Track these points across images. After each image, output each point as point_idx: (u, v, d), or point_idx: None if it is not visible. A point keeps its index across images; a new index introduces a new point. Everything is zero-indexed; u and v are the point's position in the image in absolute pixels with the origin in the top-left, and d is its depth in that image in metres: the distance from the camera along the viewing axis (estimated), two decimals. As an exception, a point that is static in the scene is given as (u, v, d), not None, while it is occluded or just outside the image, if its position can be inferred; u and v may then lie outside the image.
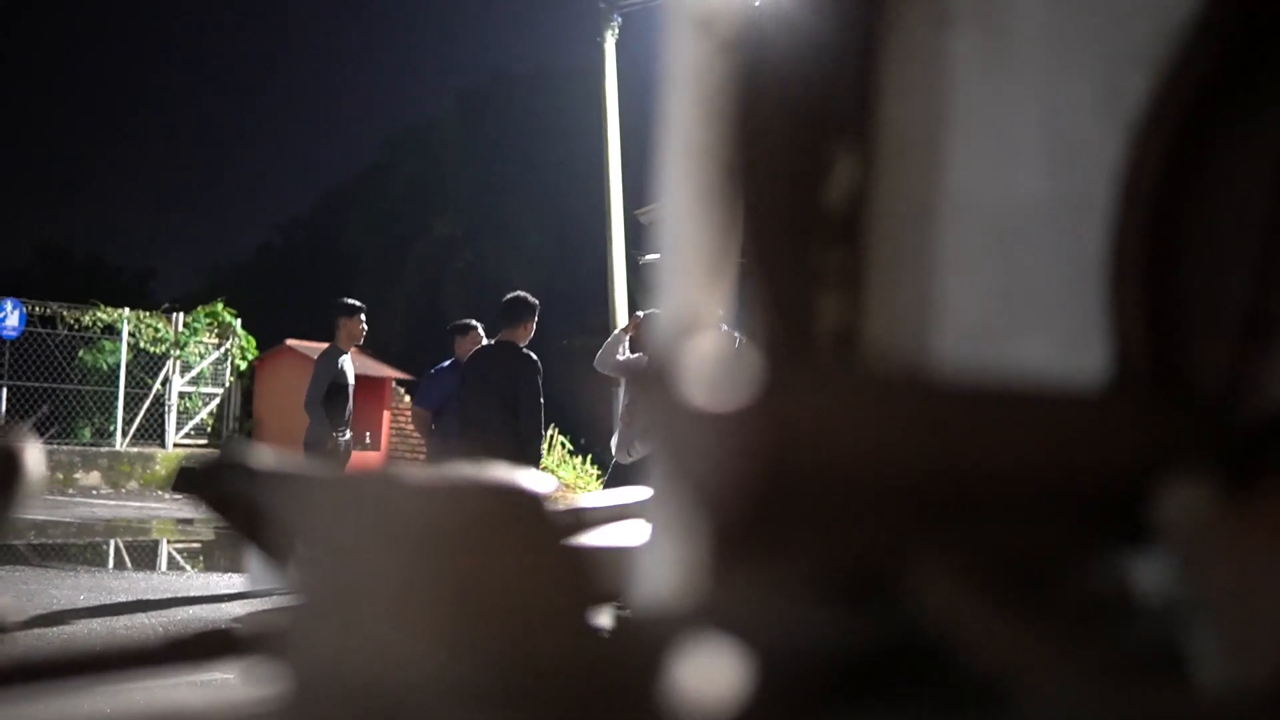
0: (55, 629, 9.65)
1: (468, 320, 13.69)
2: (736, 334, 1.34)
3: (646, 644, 0.72)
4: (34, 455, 1.20)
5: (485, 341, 12.86)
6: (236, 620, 10.26)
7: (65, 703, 1.05)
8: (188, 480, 1.40)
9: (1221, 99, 1.07)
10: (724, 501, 0.76)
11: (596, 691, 0.67)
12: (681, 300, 1.25)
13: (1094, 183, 1.14)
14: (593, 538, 1.27)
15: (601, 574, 0.76)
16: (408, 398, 29.94)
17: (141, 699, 1.02)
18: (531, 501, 0.74)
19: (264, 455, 1.34)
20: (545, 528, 0.73)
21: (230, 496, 1.35)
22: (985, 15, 1.24)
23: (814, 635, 0.84)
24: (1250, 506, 0.90)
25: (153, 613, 10.58)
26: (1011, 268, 1.20)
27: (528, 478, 0.82)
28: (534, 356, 11.95)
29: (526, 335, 12.09)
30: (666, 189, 1.28)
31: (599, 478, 22.44)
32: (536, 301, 12.27)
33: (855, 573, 0.84)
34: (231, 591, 12.20)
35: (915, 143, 1.23)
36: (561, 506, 1.37)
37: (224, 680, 1.10)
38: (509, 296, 12.41)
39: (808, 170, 1.16)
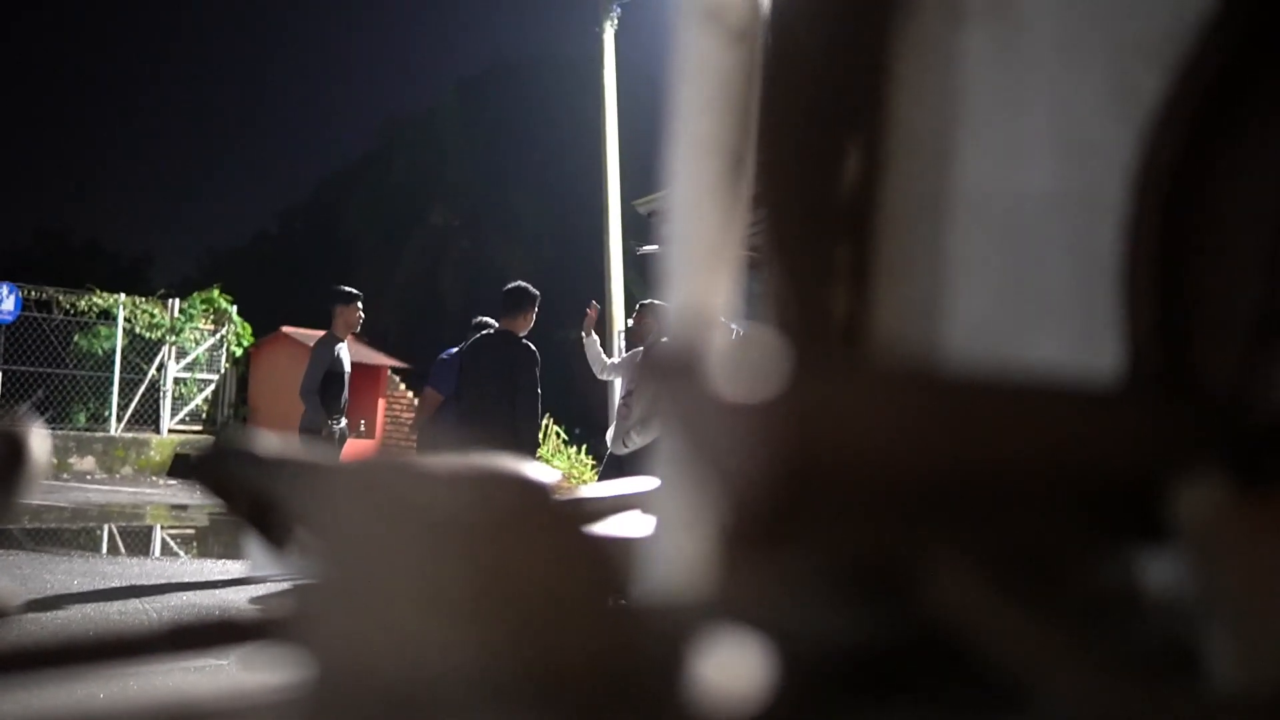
0: (49, 614, 9.63)
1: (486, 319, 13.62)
2: (737, 326, 1.33)
3: (667, 636, 0.72)
4: (39, 441, 1.19)
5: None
6: (240, 606, 10.26)
7: (70, 691, 1.05)
8: (190, 465, 1.40)
9: (1236, 97, 1.07)
10: (748, 493, 0.76)
11: (619, 683, 0.67)
12: (688, 292, 1.24)
13: (1104, 179, 1.14)
14: (597, 529, 1.27)
15: (620, 565, 0.75)
16: (403, 385, 29.94)
17: (146, 686, 1.01)
18: (548, 492, 0.74)
19: (267, 441, 1.34)
20: (569, 518, 0.73)
21: (233, 482, 1.35)
22: (997, 11, 1.23)
23: (832, 629, 0.84)
24: (1262, 506, 0.90)
25: (146, 598, 10.56)
26: (1021, 264, 1.20)
27: (534, 470, 0.81)
28: (532, 346, 11.92)
29: (526, 325, 12.06)
30: (674, 181, 1.28)
31: (594, 468, 22.44)
32: (537, 292, 12.25)
33: (873, 567, 0.84)
34: (226, 578, 12.18)
35: (926, 138, 1.22)
36: (565, 498, 1.36)
37: (219, 667, 1.10)
38: (510, 286, 12.37)
39: (825, 164, 1.15)
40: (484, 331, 12.66)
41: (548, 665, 0.66)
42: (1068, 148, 1.19)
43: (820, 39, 1.16)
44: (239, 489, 1.34)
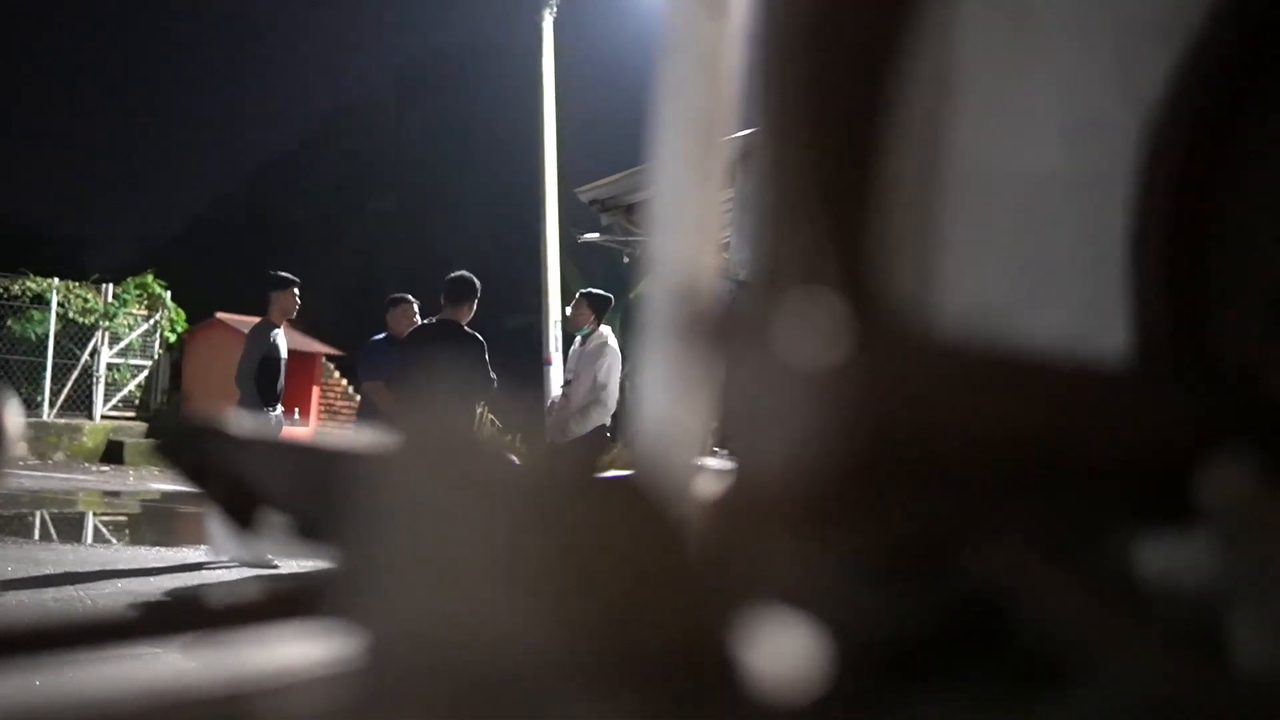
0: (-17, 600, 9.55)
1: (403, 294, 13.59)
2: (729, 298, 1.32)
3: (731, 613, 0.70)
4: (13, 418, 1.16)
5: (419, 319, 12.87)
6: (179, 592, 10.19)
7: (122, 670, 1.02)
8: (160, 445, 1.37)
9: (1250, 75, 1.06)
10: (816, 466, 0.74)
11: (697, 661, 0.65)
12: (681, 266, 1.23)
13: (1112, 158, 1.12)
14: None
15: (695, 539, 0.73)
16: (338, 373, 29.89)
17: (169, 667, 0.98)
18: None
19: (240, 421, 1.31)
20: (648, 490, 0.71)
21: (206, 463, 1.32)
22: (999, -14, 1.22)
23: (887, 608, 0.82)
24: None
25: (81, 585, 10.49)
26: (1025, 243, 1.19)
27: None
28: (479, 336, 11.95)
29: (468, 315, 12.09)
30: (662, 156, 1.26)
31: (530, 457, 22.39)
32: (479, 283, 12.26)
33: (931, 544, 0.83)
34: (160, 565, 12.12)
35: (929, 116, 1.20)
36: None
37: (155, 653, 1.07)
38: (454, 275, 12.36)
39: (825, 143, 1.13)
40: (426, 320, 12.64)
41: (623, 642, 0.64)
42: (1075, 126, 1.18)
43: (821, 16, 1.14)
44: (212, 470, 1.31)
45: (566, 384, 13.06)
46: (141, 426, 26.51)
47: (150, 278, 27.88)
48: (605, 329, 12.90)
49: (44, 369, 26.23)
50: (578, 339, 13.15)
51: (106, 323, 26.96)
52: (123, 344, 27.39)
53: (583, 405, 12.59)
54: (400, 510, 0.70)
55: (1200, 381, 1.03)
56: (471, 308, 12.11)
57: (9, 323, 26.05)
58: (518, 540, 0.66)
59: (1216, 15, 1.05)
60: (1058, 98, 1.20)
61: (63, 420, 26.04)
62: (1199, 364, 1.04)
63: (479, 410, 12.71)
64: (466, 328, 12.00)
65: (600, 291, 13.26)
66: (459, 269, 12.59)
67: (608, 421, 12.79)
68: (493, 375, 11.86)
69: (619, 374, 12.84)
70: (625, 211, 18.08)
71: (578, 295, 13.35)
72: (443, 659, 0.66)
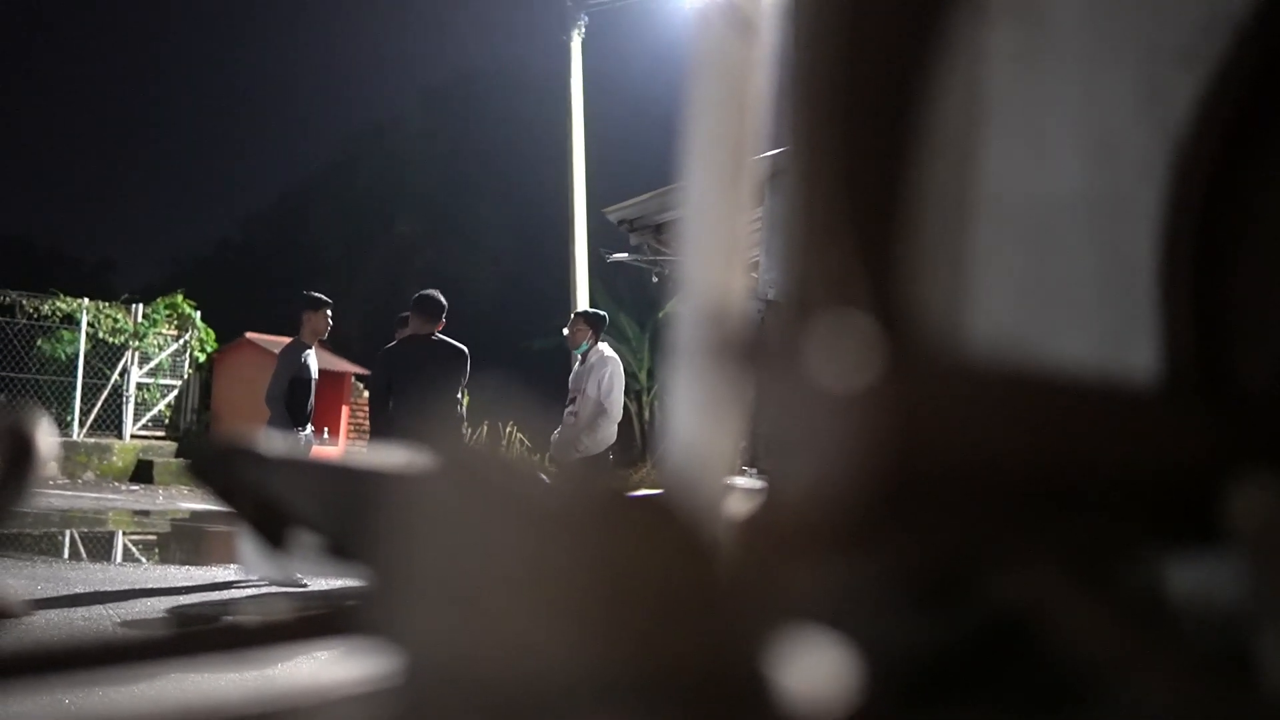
0: (11, 619, 9.55)
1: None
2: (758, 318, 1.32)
3: (760, 634, 0.70)
4: (46, 437, 1.17)
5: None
6: (206, 612, 10.20)
7: (122, 689, 1.02)
8: (191, 465, 1.38)
9: (1274, 97, 1.05)
10: (847, 489, 0.74)
11: (722, 682, 0.66)
12: (710, 286, 1.23)
13: (1133, 180, 1.12)
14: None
15: (722, 561, 0.73)
16: (367, 393, 29.92)
17: (214, 685, 0.99)
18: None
19: (271, 442, 1.32)
20: (676, 512, 0.71)
21: (237, 483, 1.32)
22: (1023, 8, 1.22)
23: (913, 630, 0.82)
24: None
25: (110, 604, 10.51)
26: (1054, 265, 1.19)
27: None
28: (460, 345, 12.22)
29: (439, 329, 12.44)
30: (691, 176, 1.27)
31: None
32: (447, 302, 12.65)
33: (958, 566, 0.83)
34: (189, 584, 12.13)
35: (952, 137, 1.21)
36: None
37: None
38: (423, 293, 12.73)
39: (848, 162, 1.14)
40: (399, 338, 12.91)
41: (654, 662, 0.64)
42: (1095, 148, 1.18)
43: (850, 37, 1.14)
44: (243, 490, 1.32)
45: (571, 401, 13.29)
46: (171, 446, 26.58)
47: (180, 298, 27.94)
48: (603, 344, 13.29)
49: (74, 389, 26.31)
50: (578, 358, 13.48)
51: (136, 343, 27.04)
52: (152, 364, 27.47)
53: (590, 418, 12.84)
54: (430, 529, 0.71)
55: (1227, 403, 1.03)
56: (443, 323, 12.45)
57: (39, 343, 26.13)
58: (548, 559, 0.66)
59: (1243, 37, 1.05)
60: (1085, 121, 1.20)
61: (92, 440, 26.11)
62: (1226, 385, 1.04)
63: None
64: (446, 338, 12.30)
65: (596, 310, 13.90)
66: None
67: (614, 431, 13.05)
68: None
69: (621, 382, 13.19)
70: (654, 231, 18.18)
71: (574, 315, 13.90)
72: (473, 678, 0.66)
